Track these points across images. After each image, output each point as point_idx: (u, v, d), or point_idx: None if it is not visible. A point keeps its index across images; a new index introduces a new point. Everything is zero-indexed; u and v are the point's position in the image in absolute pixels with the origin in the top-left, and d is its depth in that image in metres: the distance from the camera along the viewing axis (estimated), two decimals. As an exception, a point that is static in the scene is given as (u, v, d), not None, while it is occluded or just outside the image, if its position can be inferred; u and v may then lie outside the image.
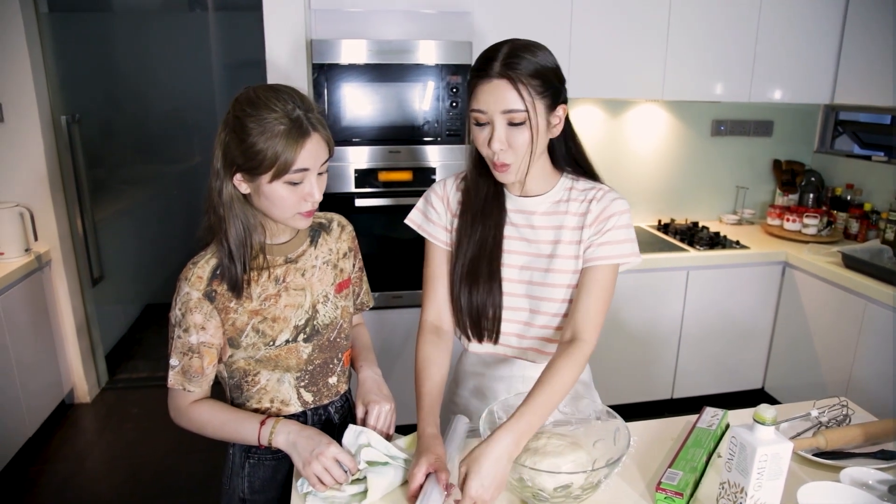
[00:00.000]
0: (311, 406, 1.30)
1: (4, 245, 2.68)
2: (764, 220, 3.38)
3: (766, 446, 0.94)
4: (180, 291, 1.15)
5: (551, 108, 1.15)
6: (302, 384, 1.27)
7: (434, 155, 2.55)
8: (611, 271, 1.22)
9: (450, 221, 1.33)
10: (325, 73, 2.39)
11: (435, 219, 1.33)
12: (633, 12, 2.73)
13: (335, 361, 1.32)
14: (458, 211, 1.31)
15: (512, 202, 1.29)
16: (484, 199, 1.28)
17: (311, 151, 1.09)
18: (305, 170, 1.09)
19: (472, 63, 2.42)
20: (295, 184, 1.10)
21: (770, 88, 2.92)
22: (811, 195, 3.29)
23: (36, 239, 2.83)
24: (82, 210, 3.08)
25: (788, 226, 3.12)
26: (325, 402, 1.32)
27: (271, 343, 1.20)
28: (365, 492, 1.11)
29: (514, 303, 1.29)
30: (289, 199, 1.11)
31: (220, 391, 1.27)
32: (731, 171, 3.40)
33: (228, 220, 1.13)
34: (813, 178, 3.31)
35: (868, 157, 3.14)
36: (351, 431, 1.20)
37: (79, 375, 3.15)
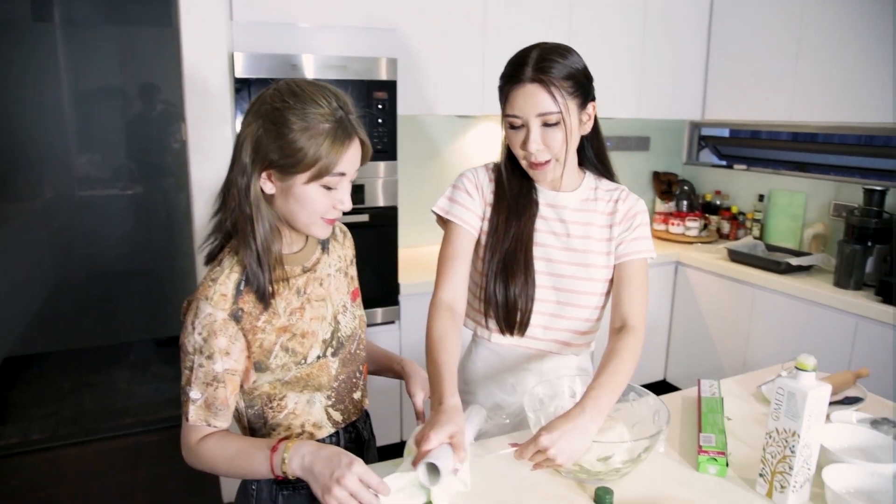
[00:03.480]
0: (342, 425, 1.22)
1: None
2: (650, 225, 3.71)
3: (814, 390, 1.04)
4: (200, 313, 1.01)
5: (582, 106, 1.22)
6: (330, 403, 1.18)
7: (362, 172, 2.51)
8: (645, 264, 1.31)
9: (483, 209, 1.33)
10: (248, 88, 2.28)
11: (468, 203, 1.33)
12: (535, 27, 2.91)
13: (357, 375, 1.25)
14: (492, 202, 1.32)
15: (543, 196, 1.33)
16: (518, 196, 1.31)
17: (352, 156, 1.05)
18: (343, 174, 1.05)
19: (398, 79, 2.49)
20: (329, 188, 1.04)
21: (653, 106, 3.24)
22: (685, 202, 3.67)
23: None
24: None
25: (673, 229, 3.45)
26: (353, 419, 1.24)
27: (303, 361, 1.11)
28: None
29: (542, 294, 1.32)
30: (320, 204, 1.05)
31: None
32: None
33: (256, 220, 1.04)
34: (686, 187, 3.70)
35: (730, 167, 3.58)
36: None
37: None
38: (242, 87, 2.27)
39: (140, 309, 4.23)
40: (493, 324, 1.35)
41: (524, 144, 1.21)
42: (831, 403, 1.43)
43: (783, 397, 1.07)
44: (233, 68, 2.26)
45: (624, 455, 1.09)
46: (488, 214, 1.33)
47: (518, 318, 1.32)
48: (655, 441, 1.10)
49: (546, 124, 1.19)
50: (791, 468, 1.06)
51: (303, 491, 1.14)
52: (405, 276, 2.65)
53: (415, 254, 3.04)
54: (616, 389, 1.12)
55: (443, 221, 1.36)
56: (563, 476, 1.14)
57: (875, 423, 1.32)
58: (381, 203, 2.56)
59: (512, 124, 1.22)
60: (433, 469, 0.97)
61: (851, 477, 1.10)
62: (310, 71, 2.34)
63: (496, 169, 1.36)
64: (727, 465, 1.17)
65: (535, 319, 1.34)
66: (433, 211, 1.37)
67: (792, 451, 1.06)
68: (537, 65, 1.18)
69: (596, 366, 1.51)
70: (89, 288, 4.14)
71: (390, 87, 2.49)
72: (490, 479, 1.14)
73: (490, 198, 1.34)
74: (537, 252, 1.32)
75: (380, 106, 2.49)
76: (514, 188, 1.32)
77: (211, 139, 2.28)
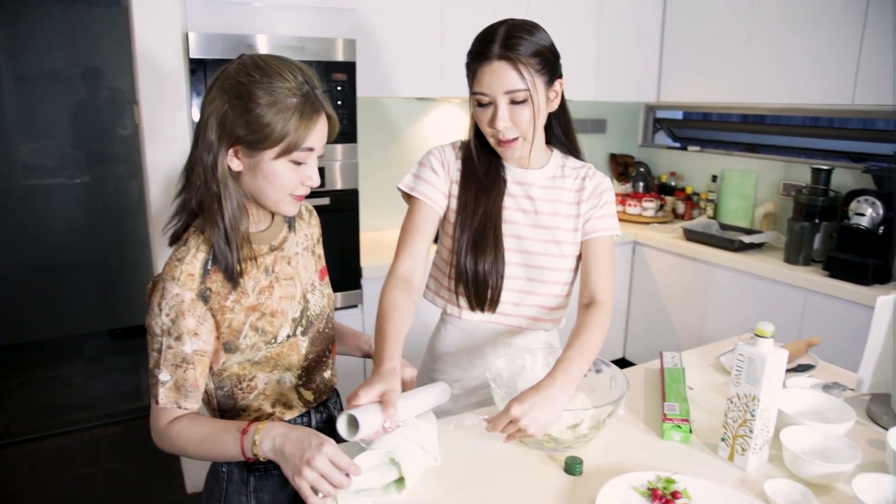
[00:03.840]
0: (314, 405, 1.21)
1: None
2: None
3: (772, 355, 1.08)
4: (167, 293, 0.99)
5: (549, 83, 1.22)
6: (301, 382, 1.17)
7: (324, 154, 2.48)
8: (611, 241, 1.34)
9: (449, 186, 1.33)
10: (203, 69, 2.22)
11: (433, 181, 1.33)
12: (493, 9, 2.91)
13: (327, 354, 1.24)
14: (459, 180, 1.32)
15: (511, 174, 1.34)
16: (486, 173, 1.31)
17: (320, 131, 1.04)
18: (311, 150, 1.03)
19: (356, 60, 2.46)
20: (298, 163, 1.03)
21: (610, 89, 3.29)
22: (641, 183, 3.74)
23: None
24: None
25: (630, 210, 3.52)
26: (325, 398, 1.24)
27: (273, 340, 1.10)
28: (400, 480, 1.05)
29: (511, 271, 1.33)
30: (289, 180, 1.03)
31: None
32: (576, 166, 3.75)
33: (224, 198, 1.02)
34: (642, 169, 3.77)
35: (684, 148, 3.66)
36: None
37: None
38: (197, 68, 2.21)
39: (93, 300, 4.10)
40: (463, 301, 1.36)
41: (492, 122, 1.22)
42: (786, 371, 1.49)
43: (743, 363, 1.11)
44: (187, 49, 2.19)
45: (590, 421, 1.12)
46: (455, 192, 1.33)
47: (489, 295, 1.33)
48: (618, 406, 1.13)
49: (514, 102, 1.20)
50: (751, 431, 1.10)
51: (275, 472, 1.13)
52: (367, 260, 2.64)
53: (376, 237, 3.03)
54: (585, 361, 1.15)
55: (408, 198, 1.35)
56: (529, 447, 1.16)
57: (826, 388, 1.38)
58: (340, 186, 2.54)
59: (479, 102, 1.22)
60: (352, 422, 0.98)
61: (807, 438, 1.15)
62: (265, 51, 2.29)
63: (464, 147, 1.36)
64: (691, 431, 1.21)
65: (506, 296, 1.35)
66: (399, 188, 1.36)
67: (752, 415, 1.10)
68: (504, 42, 1.18)
69: (564, 342, 1.55)
70: (39, 280, 3.99)
71: (349, 68, 2.46)
72: (461, 453, 1.15)
73: (456, 175, 1.34)
74: (506, 229, 1.33)
75: (338, 88, 2.46)
76: (483, 167, 1.33)
77: (166, 122, 2.21)
